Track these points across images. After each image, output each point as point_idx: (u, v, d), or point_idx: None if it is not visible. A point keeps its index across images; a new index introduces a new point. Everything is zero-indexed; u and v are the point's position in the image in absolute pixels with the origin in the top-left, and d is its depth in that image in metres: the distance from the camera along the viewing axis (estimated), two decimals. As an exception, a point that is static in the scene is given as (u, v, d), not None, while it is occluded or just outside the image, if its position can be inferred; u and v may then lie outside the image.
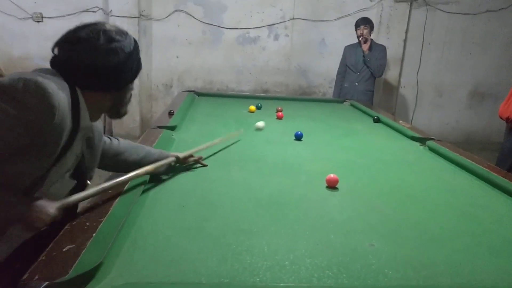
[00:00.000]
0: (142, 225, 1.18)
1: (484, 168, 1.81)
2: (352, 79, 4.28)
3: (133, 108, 4.92)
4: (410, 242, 1.20)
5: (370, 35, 4.19)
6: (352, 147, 2.27)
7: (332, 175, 1.61)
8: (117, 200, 1.24)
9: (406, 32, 5.06)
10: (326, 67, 5.11)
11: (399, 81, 5.20)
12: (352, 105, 3.65)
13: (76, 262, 0.90)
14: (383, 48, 4.27)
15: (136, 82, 4.86)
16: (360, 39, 4.18)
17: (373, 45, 4.22)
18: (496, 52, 5.31)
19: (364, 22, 4.16)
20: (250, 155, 1.99)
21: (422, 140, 2.39)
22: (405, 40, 5.07)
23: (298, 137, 2.32)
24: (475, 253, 1.15)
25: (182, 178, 1.60)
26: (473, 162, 1.89)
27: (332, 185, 1.59)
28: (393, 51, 4.98)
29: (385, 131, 2.71)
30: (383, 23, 4.97)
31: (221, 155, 1.96)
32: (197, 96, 3.65)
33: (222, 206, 1.36)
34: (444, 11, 5.09)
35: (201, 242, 1.12)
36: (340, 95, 4.35)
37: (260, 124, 2.48)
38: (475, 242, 1.22)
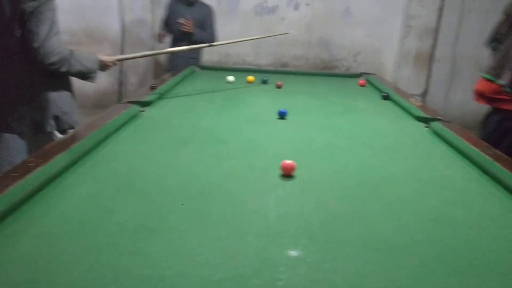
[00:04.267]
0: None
1: (487, 157, 1.48)
2: (174, 42, 3.66)
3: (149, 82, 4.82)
4: (352, 250, 0.95)
5: None
6: (342, 127, 1.99)
7: (288, 162, 1.37)
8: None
9: (443, -1, 4.53)
10: (350, 39, 4.72)
11: (432, 54, 4.70)
12: (368, 80, 3.29)
13: None
14: (208, 11, 3.77)
15: (152, 57, 4.63)
16: None
17: (197, 6, 3.72)
18: (550, 21, 4.65)
19: None
20: (217, 135, 1.77)
21: (428, 121, 2.07)
22: (440, 9, 4.54)
23: (282, 115, 2.07)
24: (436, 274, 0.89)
25: (121, 160, 1.43)
26: (476, 149, 1.57)
27: (287, 173, 1.36)
28: (425, 20, 4.49)
29: (391, 110, 2.38)
30: (416, -11, 4.47)
31: (183, 133, 1.76)
32: (200, 70, 3.45)
33: (137, 196, 1.17)
34: (488, -26, 4.49)
35: (84, 242, 0.93)
36: (168, 66, 3.80)
37: (231, 78, 2.92)
38: (444, 261, 0.95)
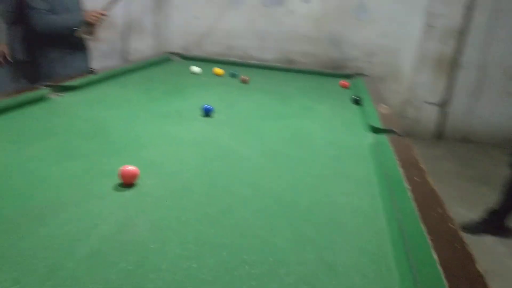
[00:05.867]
0: None
1: (406, 186, 1.12)
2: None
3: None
4: None
5: None
6: (266, 133, 1.67)
7: (130, 168, 1.10)
8: None
9: (473, -3, 3.99)
10: (364, 37, 4.31)
11: (456, 59, 4.16)
12: (356, 83, 2.90)
13: None
14: None
15: (150, 43, 4.49)
16: None
17: None
18: None
19: None
20: (105, 129, 1.53)
21: (378, 132, 1.70)
22: (469, 7, 4.00)
23: (206, 112, 1.79)
24: None
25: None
26: (401, 173, 1.20)
27: (124, 181, 1.09)
28: (450, 20, 3.98)
29: (351, 117, 2.02)
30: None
31: (64, 124, 1.53)
32: (178, 59, 3.23)
33: None
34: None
35: None
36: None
37: (196, 69, 2.69)
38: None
